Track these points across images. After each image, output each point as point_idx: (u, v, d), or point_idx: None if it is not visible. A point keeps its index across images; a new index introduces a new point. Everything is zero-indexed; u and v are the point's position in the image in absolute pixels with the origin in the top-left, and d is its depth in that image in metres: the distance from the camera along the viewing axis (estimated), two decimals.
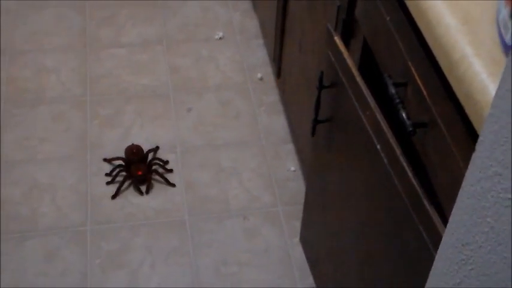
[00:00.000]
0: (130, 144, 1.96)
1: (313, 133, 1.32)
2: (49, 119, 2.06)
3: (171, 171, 1.92)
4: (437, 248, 0.80)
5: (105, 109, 2.10)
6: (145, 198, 1.86)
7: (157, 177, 1.90)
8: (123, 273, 1.71)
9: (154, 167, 1.91)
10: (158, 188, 1.89)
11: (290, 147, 2.00)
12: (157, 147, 1.97)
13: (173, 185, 1.88)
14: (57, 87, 2.16)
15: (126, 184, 1.88)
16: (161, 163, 1.92)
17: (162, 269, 1.72)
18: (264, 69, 2.22)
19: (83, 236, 1.78)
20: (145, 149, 1.95)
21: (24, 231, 1.78)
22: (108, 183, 1.89)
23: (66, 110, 2.09)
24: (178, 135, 2.03)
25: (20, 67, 2.21)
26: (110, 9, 2.43)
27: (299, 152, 1.91)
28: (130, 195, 1.87)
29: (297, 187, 1.90)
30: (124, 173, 1.89)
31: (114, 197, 1.85)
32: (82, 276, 1.70)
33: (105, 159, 1.94)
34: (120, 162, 1.91)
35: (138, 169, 1.87)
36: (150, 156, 1.95)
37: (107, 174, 1.90)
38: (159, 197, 1.87)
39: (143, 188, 1.87)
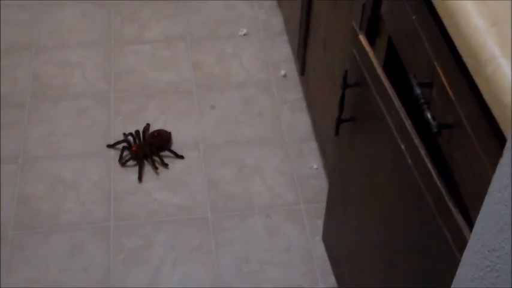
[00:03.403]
0: (162, 129, 2.00)
1: (337, 132, 1.31)
2: (73, 115, 2.07)
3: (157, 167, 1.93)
4: (462, 251, 0.79)
5: (128, 105, 2.10)
6: (168, 195, 1.87)
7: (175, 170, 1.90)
8: (145, 270, 1.71)
9: (149, 154, 1.93)
10: (181, 184, 1.89)
11: (313, 145, 1.99)
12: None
13: (140, 180, 1.89)
14: (81, 83, 2.17)
15: (126, 154, 1.94)
16: (158, 157, 1.93)
17: (184, 266, 1.72)
18: (287, 66, 2.22)
19: (106, 231, 1.79)
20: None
21: (48, 227, 1.79)
22: (111, 145, 1.98)
23: (90, 105, 2.10)
24: (201, 132, 2.03)
25: (45, 63, 2.23)
26: (134, 6, 2.44)
27: (322, 150, 1.90)
28: (153, 192, 1.87)
29: (320, 185, 1.89)
30: (127, 144, 1.96)
31: (119, 161, 1.94)
32: (105, 272, 1.71)
33: (124, 134, 2.00)
34: (132, 134, 1.98)
35: (136, 145, 1.94)
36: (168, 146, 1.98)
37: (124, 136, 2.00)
38: (181, 193, 1.88)
39: (130, 164, 1.93)
